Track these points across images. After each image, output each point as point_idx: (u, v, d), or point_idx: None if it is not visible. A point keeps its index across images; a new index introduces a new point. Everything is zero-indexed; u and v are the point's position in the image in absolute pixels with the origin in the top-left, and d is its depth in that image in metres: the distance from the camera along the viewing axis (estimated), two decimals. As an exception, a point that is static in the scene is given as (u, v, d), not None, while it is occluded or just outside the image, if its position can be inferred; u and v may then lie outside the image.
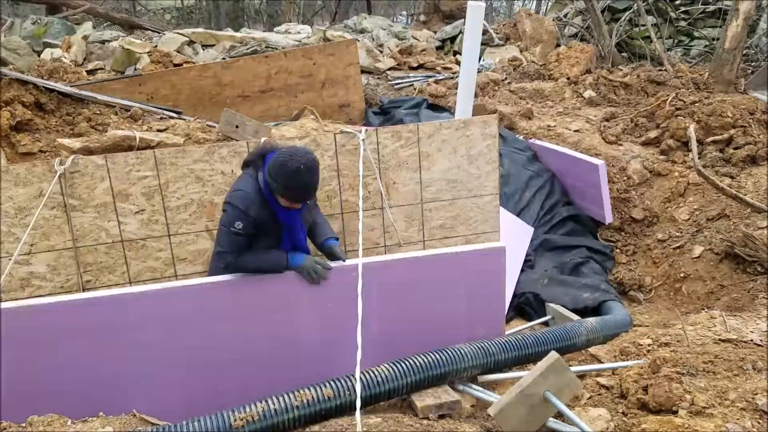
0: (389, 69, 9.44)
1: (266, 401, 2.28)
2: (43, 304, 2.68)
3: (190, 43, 9.47)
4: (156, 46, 9.13)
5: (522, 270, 4.89)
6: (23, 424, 2.24)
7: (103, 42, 9.57)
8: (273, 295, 2.92)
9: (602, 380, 2.60)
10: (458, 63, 8.06)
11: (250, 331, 2.90)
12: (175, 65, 8.44)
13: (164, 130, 5.75)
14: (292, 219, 3.01)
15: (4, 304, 2.61)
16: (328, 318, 2.94)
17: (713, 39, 9.64)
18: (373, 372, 2.49)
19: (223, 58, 8.79)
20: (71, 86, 6.48)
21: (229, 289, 2.88)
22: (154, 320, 2.77)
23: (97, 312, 2.71)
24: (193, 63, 8.56)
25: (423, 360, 2.59)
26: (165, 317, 2.79)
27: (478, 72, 7.59)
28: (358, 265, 2.82)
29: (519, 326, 4.29)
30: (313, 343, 2.96)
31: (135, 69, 8.34)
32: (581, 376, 2.69)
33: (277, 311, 2.92)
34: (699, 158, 5.57)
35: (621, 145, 6.33)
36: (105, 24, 12.77)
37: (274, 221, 2.97)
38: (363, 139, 3.78)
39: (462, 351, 2.69)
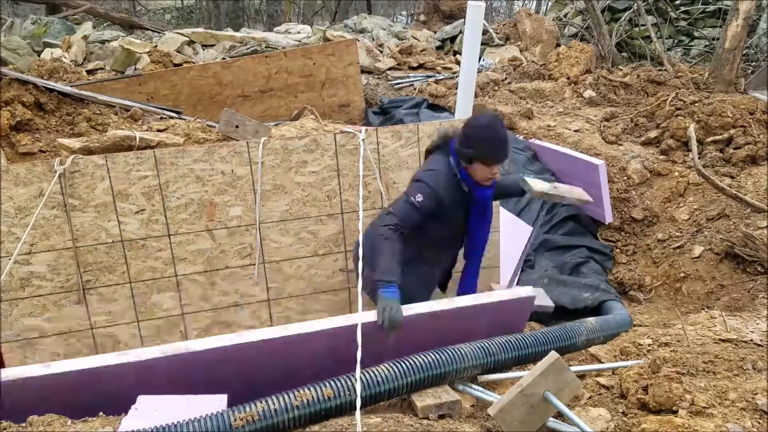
0: (389, 69, 9.45)
1: (266, 401, 2.27)
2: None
3: (190, 43, 9.48)
4: (156, 46, 9.13)
5: (522, 270, 4.88)
6: (23, 424, 2.24)
7: (103, 42, 9.58)
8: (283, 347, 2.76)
9: (602, 380, 2.60)
10: (458, 63, 8.06)
11: (254, 370, 2.76)
12: (175, 65, 8.45)
13: (164, 130, 5.75)
14: (486, 196, 3.03)
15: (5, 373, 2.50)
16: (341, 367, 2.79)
17: (713, 39, 9.64)
18: (373, 372, 2.49)
19: (223, 58, 8.79)
20: (71, 86, 6.48)
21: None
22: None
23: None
24: (193, 63, 8.57)
25: (423, 360, 2.59)
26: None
27: (478, 72, 7.59)
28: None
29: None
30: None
31: (135, 69, 8.34)
32: (581, 376, 2.69)
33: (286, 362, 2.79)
34: (699, 158, 5.57)
35: (621, 145, 6.33)
36: (105, 24, 12.78)
37: (463, 203, 2.98)
38: (363, 139, 3.78)
39: (462, 351, 2.69)
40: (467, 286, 3.36)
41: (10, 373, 2.46)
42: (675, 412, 2.18)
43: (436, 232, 3.04)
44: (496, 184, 3.21)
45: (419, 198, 2.87)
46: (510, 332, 3.04)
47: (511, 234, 4.84)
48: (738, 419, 2.10)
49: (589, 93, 7.69)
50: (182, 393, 2.43)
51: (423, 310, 2.85)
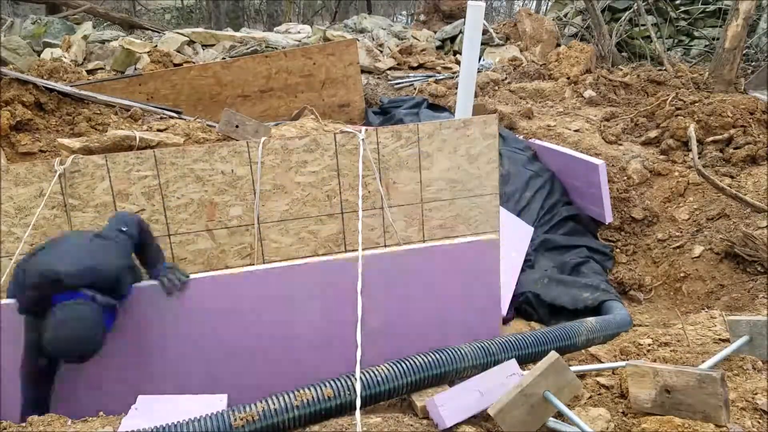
0: (389, 69, 9.44)
1: (266, 401, 2.27)
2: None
3: (190, 42, 9.47)
4: (156, 45, 9.13)
5: (522, 270, 4.88)
6: (23, 424, 2.24)
7: (103, 42, 9.58)
8: (272, 293, 2.91)
9: (602, 380, 2.60)
10: (458, 63, 8.06)
11: (249, 327, 2.89)
12: (175, 65, 8.44)
13: (164, 129, 5.75)
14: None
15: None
16: (326, 314, 2.95)
17: (713, 39, 9.64)
18: (373, 372, 2.49)
19: (223, 58, 8.79)
20: (71, 86, 6.48)
21: (229, 285, 2.87)
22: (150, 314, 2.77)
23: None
24: (193, 63, 8.56)
25: (423, 360, 2.59)
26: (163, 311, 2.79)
27: (478, 72, 7.59)
28: (357, 259, 2.79)
29: (520, 326, 4.30)
30: (312, 338, 2.95)
31: (135, 69, 8.34)
32: (581, 376, 2.69)
33: (275, 308, 2.92)
34: (699, 158, 5.57)
35: (621, 144, 6.33)
36: (105, 24, 12.77)
37: None
38: (363, 139, 3.78)
39: (462, 351, 2.69)
40: None
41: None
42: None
43: None
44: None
45: None
46: (484, 276, 3.19)
47: (511, 234, 4.85)
48: (738, 419, 2.11)
49: (589, 93, 7.69)
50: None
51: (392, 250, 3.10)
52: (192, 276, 2.85)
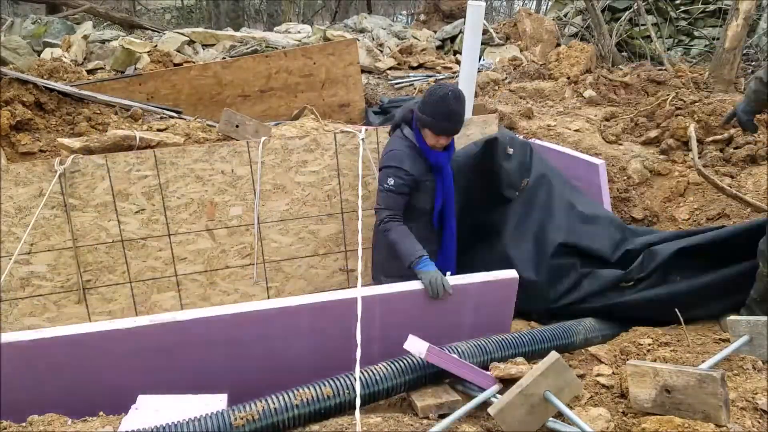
0: (389, 68, 9.44)
1: (266, 400, 2.28)
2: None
3: (190, 42, 9.48)
4: (156, 45, 9.13)
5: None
6: (23, 424, 2.24)
7: (103, 41, 9.58)
8: (271, 320, 2.85)
9: (602, 380, 2.60)
10: (458, 62, 8.06)
11: (247, 354, 2.85)
12: (175, 65, 8.45)
13: (164, 129, 5.74)
14: (442, 160, 3.13)
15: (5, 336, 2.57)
16: (328, 343, 2.88)
17: (713, 39, 9.64)
18: (372, 371, 2.50)
19: (223, 58, 8.79)
20: (71, 86, 6.48)
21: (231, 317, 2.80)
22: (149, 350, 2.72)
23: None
24: (193, 62, 8.57)
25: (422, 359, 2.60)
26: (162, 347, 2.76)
27: (478, 72, 7.59)
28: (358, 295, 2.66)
29: (519, 326, 4.29)
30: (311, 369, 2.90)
31: (135, 68, 8.34)
32: (581, 375, 2.69)
33: (275, 335, 2.87)
34: (699, 158, 5.57)
35: (621, 144, 6.33)
36: (105, 23, 12.77)
37: (428, 172, 3.13)
38: (363, 139, 3.79)
39: (459, 349, 2.70)
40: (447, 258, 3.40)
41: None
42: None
43: (418, 208, 3.20)
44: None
45: (390, 182, 3.04)
46: (499, 310, 3.16)
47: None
48: (738, 419, 2.11)
49: (589, 93, 7.69)
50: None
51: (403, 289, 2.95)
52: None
